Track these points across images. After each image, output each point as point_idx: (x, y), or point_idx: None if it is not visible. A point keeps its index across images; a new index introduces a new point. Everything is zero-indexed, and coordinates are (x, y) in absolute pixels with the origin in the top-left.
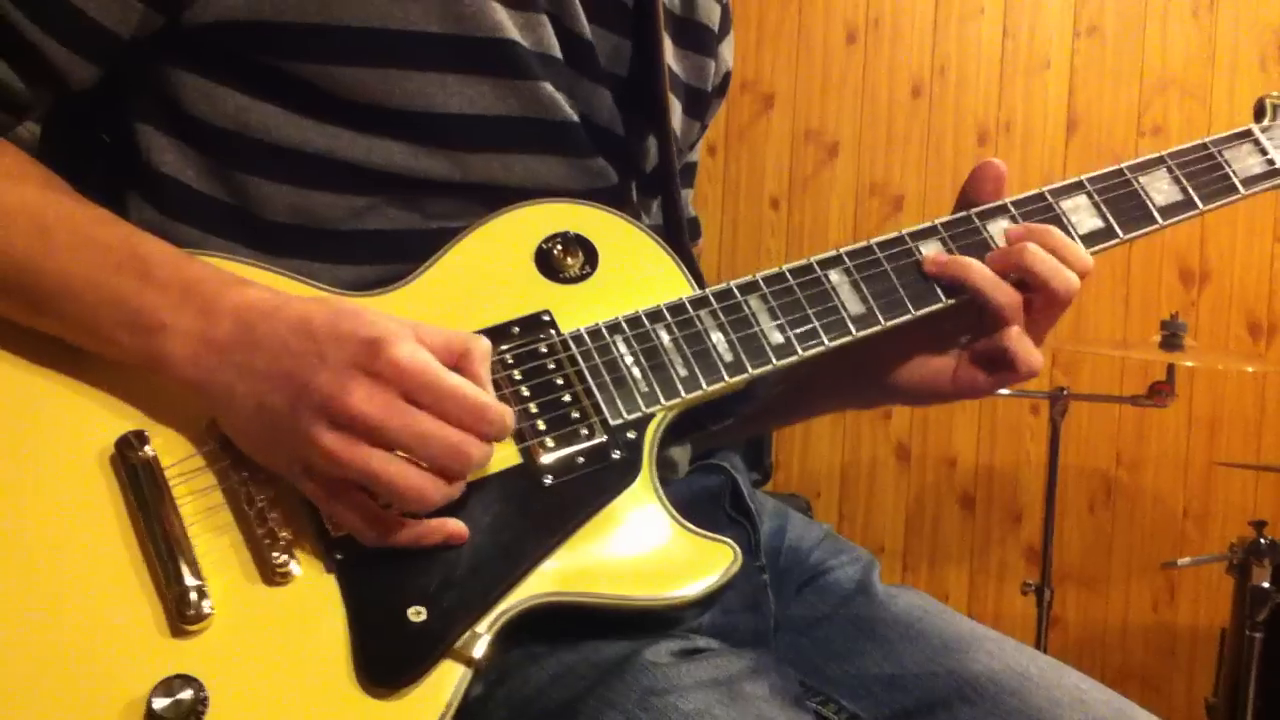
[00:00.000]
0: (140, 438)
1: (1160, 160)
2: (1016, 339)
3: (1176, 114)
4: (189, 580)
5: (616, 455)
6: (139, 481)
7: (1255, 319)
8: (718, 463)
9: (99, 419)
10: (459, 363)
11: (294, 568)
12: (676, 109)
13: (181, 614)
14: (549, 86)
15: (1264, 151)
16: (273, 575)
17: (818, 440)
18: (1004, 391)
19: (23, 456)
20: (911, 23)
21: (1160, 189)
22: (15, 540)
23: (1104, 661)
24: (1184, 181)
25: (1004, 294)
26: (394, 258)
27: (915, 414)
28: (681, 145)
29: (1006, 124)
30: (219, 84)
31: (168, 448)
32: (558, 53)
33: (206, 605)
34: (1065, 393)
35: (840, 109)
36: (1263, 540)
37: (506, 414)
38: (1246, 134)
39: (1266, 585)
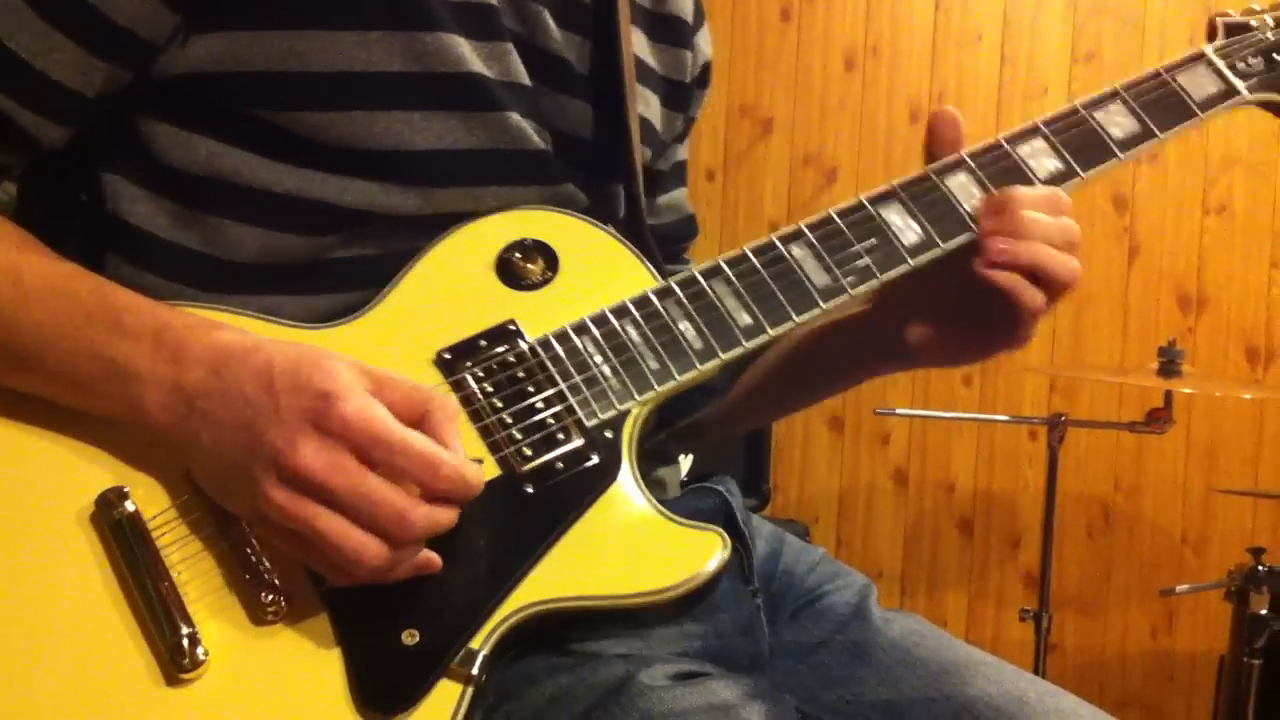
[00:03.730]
0: (120, 494)
1: (1114, 94)
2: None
3: (1175, 139)
4: (182, 629)
5: (596, 457)
6: (124, 537)
7: (1253, 345)
8: (712, 486)
9: (77, 477)
10: (421, 421)
11: (284, 605)
12: (653, 101)
13: (177, 663)
14: (516, 117)
15: (1219, 72)
16: (264, 615)
17: (816, 465)
18: (1002, 418)
19: (3, 521)
20: (910, 49)
21: (1117, 122)
22: (4, 605)
23: (1103, 688)
24: (1140, 112)
25: (1065, 266)
26: (364, 284)
27: (913, 439)
28: (665, 138)
29: None
30: (191, 132)
31: (149, 499)
32: (525, 79)
33: (201, 652)
34: (1063, 419)
35: (839, 134)
36: (1261, 567)
37: (467, 469)
38: (1199, 56)
39: (1265, 612)
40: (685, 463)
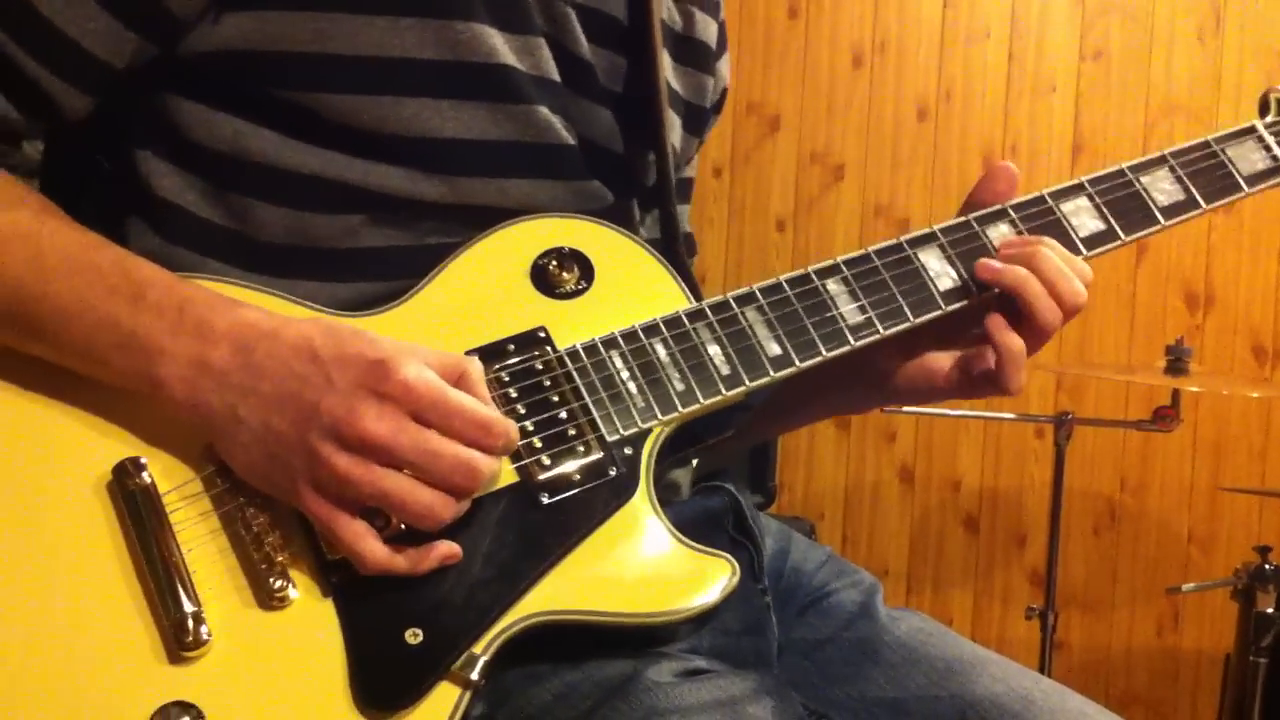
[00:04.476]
0: (137, 464)
1: (1162, 159)
2: (1011, 357)
3: (1182, 138)
4: (187, 607)
5: (613, 472)
6: (137, 508)
7: (1260, 343)
8: (720, 484)
9: (95, 446)
10: (458, 383)
11: (291, 592)
12: (676, 125)
13: (180, 640)
14: (545, 110)
15: (1268, 148)
16: (270, 600)
17: (822, 462)
18: (1009, 415)
19: (20, 485)
20: (917, 46)
21: (1162, 189)
22: (13, 569)
23: (1108, 686)
24: (1186, 180)
25: (1049, 307)
26: (391, 275)
27: (919, 436)
28: (680, 160)
29: (1012, 147)
30: (217, 110)
31: (165, 473)
32: (555, 75)
33: (204, 631)
34: (1070, 417)
35: (846, 132)
36: (1267, 566)
37: (511, 427)
38: (1250, 130)
39: (1271, 611)
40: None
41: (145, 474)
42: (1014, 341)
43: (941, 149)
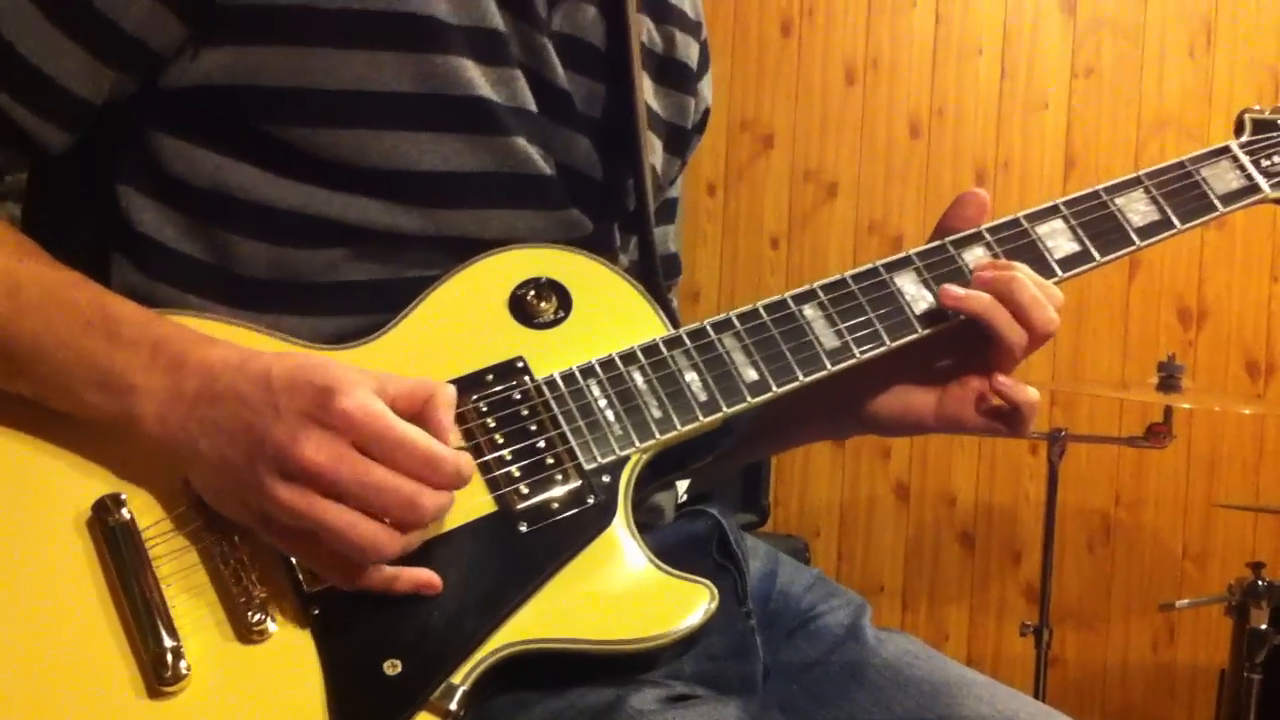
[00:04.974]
0: (116, 500)
1: (1137, 180)
2: (1016, 389)
3: (1174, 153)
4: (166, 642)
5: (591, 500)
6: (117, 544)
7: (1253, 358)
8: (704, 509)
9: (75, 482)
10: (422, 409)
11: (270, 625)
12: (657, 147)
13: (159, 675)
14: (522, 141)
15: (1242, 167)
16: (249, 634)
17: (817, 479)
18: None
19: (2, 522)
20: (910, 63)
21: (1138, 209)
22: None
23: (1104, 702)
24: (1161, 201)
25: (1016, 333)
26: (372, 309)
27: (914, 453)
28: (662, 181)
29: (1005, 163)
30: (197, 145)
31: (144, 509)
32: (532, 106)
33: (183, 666)
34: (1063, 434)
35: (839, 149)
36: (1260, 582)
37: (462, 463)
38: (1224, 150)
39: (1264, 627)
40: (683, 483)
41: (125, 510)
42: (1025, 393)
43: (934, 165)
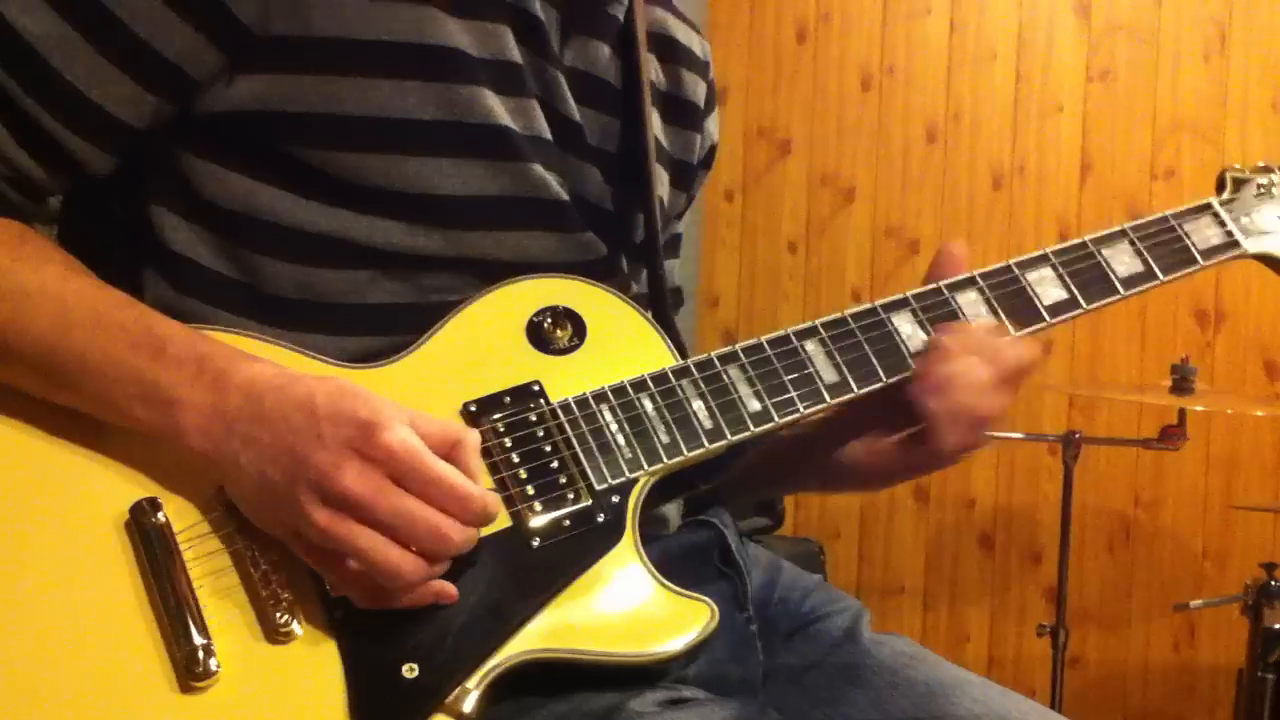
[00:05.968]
0: (153, 504)
1: (1123, 233)
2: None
3: (1189, 157)
4: (197, 639)
5: (601, 519)
6: (152, 546)
7: (1271, 358)
8: (707, 519)
9: (115, 487)
10: (451, 452)
11: (296, 627)
12: (664, 180)
13: (190, 671)
14: (539, 167)
15: (1223, 224)
16: (276, 634)
17: None
18: (1017, 435)
19: (46, 522)
20: (925, 68)
21: (1122, 260)
22: (38, 599)
23: (1125, 701)
24: (1145, 254)
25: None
26: (395, 330)
27: None
28: (669, 215)
29: (1021, 167)
30: (229, 169)
31: (179, 513)
32: (548, 135)
33: (213, 663)
34: (1078, 436)
35: (856, 154)
36: (1273, 582)
37: (490, 502)
38: (1206, 207)
39: (1279, 627)
40: None
41: (161, 514)
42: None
43: (951, 170)
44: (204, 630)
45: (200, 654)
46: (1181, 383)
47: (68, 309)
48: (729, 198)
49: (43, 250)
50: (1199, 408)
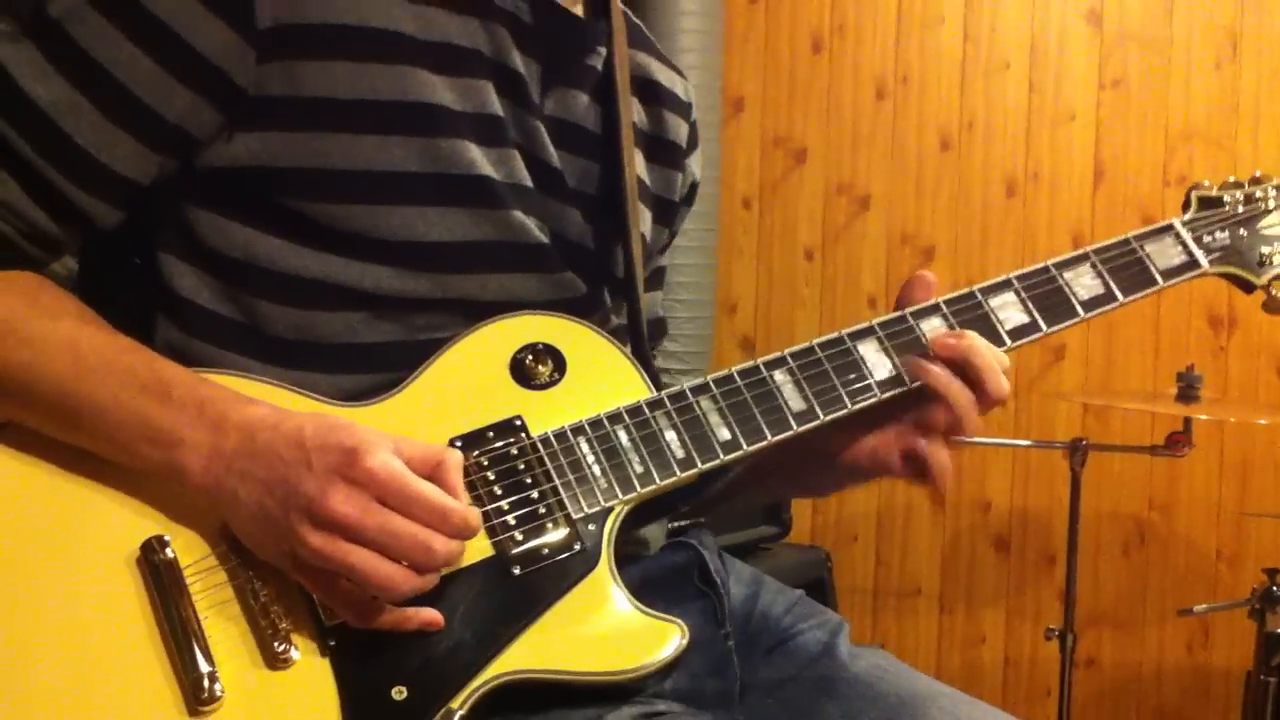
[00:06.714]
0: (161, 541)
1: (1085, 256)
2: (935, 448)
3: (1202, 164)
4: (203, 667)
5: (578, 546)
6: (161, 580)
7: None
8: (687, 540)
9: (127, 524)
10: (434, 472)
11: (293, 654)
12: (646, 217)
13: (197, 696)
14: (519, 213)
15: (1184, 244)
16: (275, 661)
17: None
18: (1024, 442)
19: (65, 557)
20: (938, 78)
21: (1084, 283)
22: (53, 628)
23: (1139, 703)
24: (1106, 276)
25: (967, 398)
26: (386, 367)
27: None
28: (651, 250)
29: (1034, 175)
30: (229, 219)
31: (186, 549)
32: (528, 182)
33: (218, 688)
34: (1084, 443)
35: (871, 163)
36: (1275, 588)
37: (470, 516)
38: (1168, 228)
39: None
40: None
41: (169, 550)
42: (942, 458)
43: (965, 178)
44: (209, 658)
45: (206, 680)
46: (1187, 391)
47: (81, 356)
48: (747, 205)
49: (58, 300)
50: (1203, 416)
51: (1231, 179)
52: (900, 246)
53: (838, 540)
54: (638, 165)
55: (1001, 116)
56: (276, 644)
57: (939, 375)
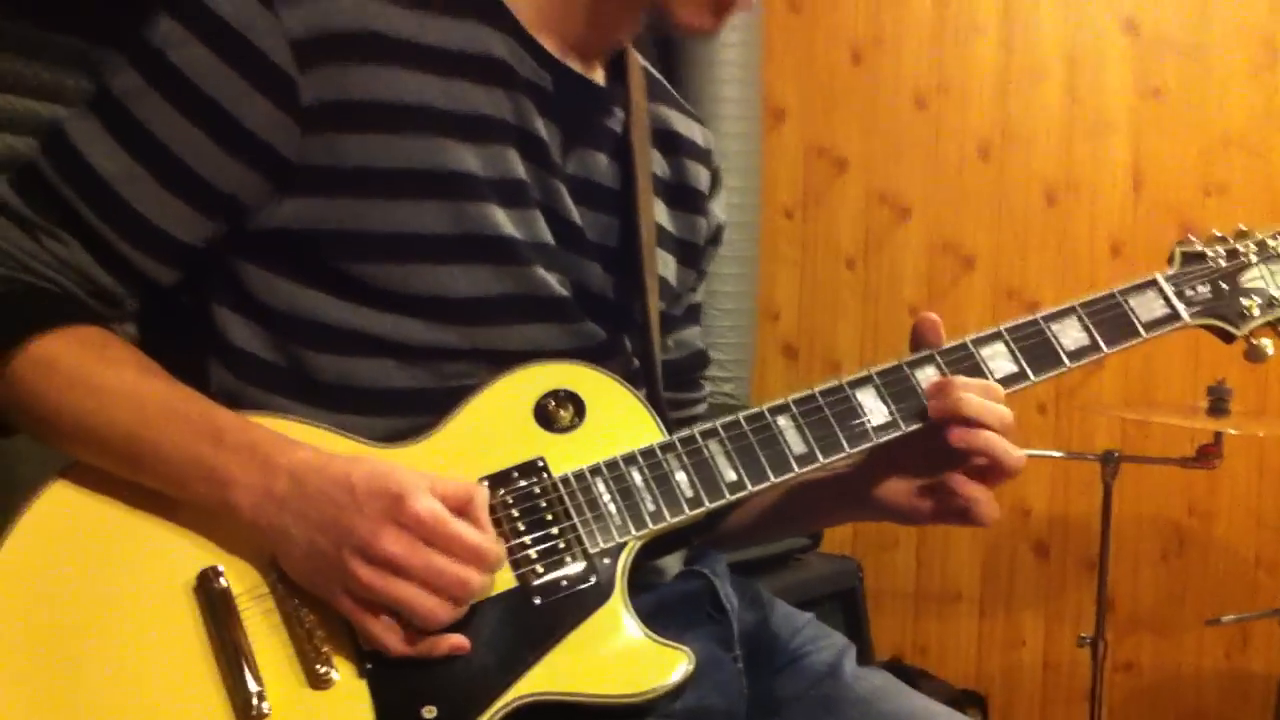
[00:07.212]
0: (216, 571)
1: (1072, 309)
2: (968, 484)
3: (1240, 172)
4: (252, 686)
5: (594, 579)
6: (215, 606)
7: None
8: (700, 569)
9: (186, 554)
10: (465, 507)
11: (334, 675)
12: (670, 263)
13: (246, 714)
14: (540, 270)
15: (1166, 298)
16: (317, 681)
17: None
18: (1057, 453)
19: (127, 583)
20: (979, 88)
21: (1070, 335)
22: (118, 648)
23: (1177, 707)
24: (1092, 328)
25: (971, 437)
26: (418, 411)
27: None
28: (679, 290)
29: (1074, 184)
30: (277, 275)
31: (238, 578)
32: (549, 239)
33: (265, 706)
34: (1116, 455)
35: (911, 172)
36: None
37: (500, 553)
38: (1152, 283)
39: None
40: None
41: (222, 579)
42: (976, 490)
43: (1004, 187)
44: (258, 678)
45: (255, 699)
46: (1218, 404)
47: (144, 404)
48: (789, 215)
49: (123, 353)
50: (1232, 430)
51: (1217, 233)
52: (941, 255)
53: (880, 545)
54: (660, 213)
55: (1040, 125)
56: (319, 666)
57: (969, 402)
